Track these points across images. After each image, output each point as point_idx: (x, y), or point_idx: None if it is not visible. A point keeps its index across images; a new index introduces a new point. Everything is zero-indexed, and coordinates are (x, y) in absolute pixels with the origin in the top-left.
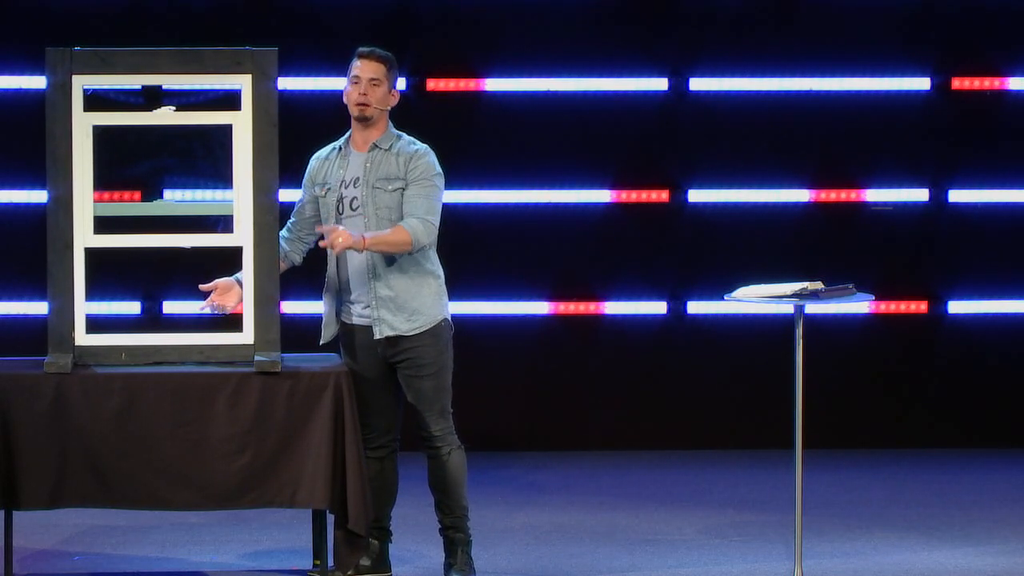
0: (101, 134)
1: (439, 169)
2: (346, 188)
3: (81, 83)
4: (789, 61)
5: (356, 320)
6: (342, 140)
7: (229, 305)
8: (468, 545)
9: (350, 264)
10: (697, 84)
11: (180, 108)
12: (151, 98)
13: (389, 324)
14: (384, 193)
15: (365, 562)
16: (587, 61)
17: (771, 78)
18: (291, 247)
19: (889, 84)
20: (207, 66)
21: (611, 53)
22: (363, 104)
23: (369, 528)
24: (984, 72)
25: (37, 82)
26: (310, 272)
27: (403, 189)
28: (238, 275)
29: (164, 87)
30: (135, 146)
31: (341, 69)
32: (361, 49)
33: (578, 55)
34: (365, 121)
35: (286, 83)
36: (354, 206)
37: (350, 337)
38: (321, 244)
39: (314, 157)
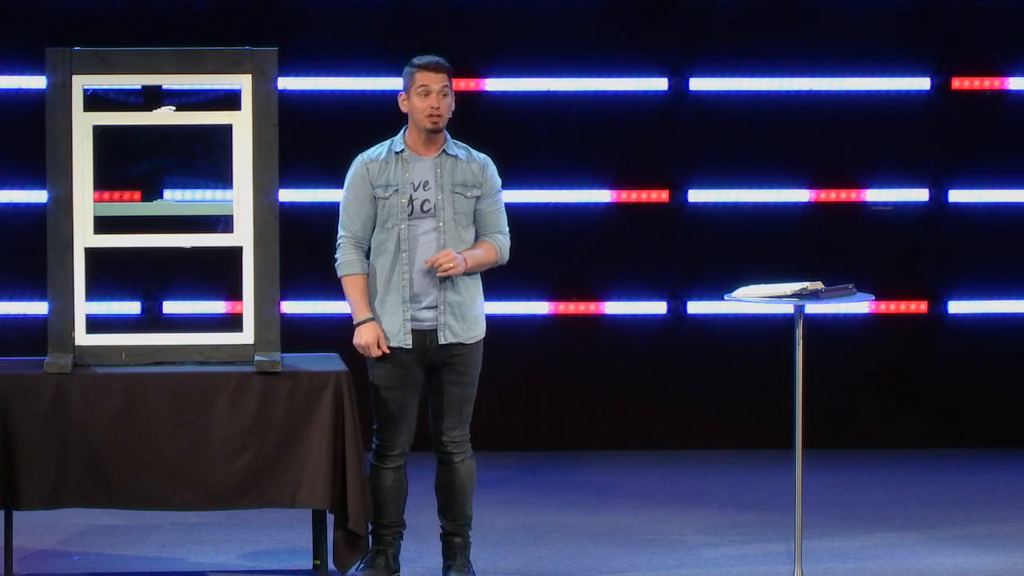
0: (101, 134)
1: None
2: (416, 191)
3: (81, 83)
4: (789, 61)
5: (411, 324)
6: (394, 144)
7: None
8: (467, 549)
9: (415, 267)
10: (697, 84)
11: (180, 108)
12: (151, 98)
13: (452, 330)
14: (463, 199)
15: (389, 562)
16: (587, 61)
17: (771, 78)
18: (365, 260)
19: (889, 84)
20: (207, 66)
21: (611, 53)
22: (436, 116)
23: (368, 528)
24: (984, 72)
25: (37, 82)
26: (310, 272)
27: (478, 198)
28: (367, 316)
29: (164, 87)
30: (135, 146)
31: (341, 69)
32: (424, 61)
33: (578, 55)
34: (439, 131)
35: (286, 83)
36: (425, 208)
37: None
38: (439, 272)
39: (367, 159)
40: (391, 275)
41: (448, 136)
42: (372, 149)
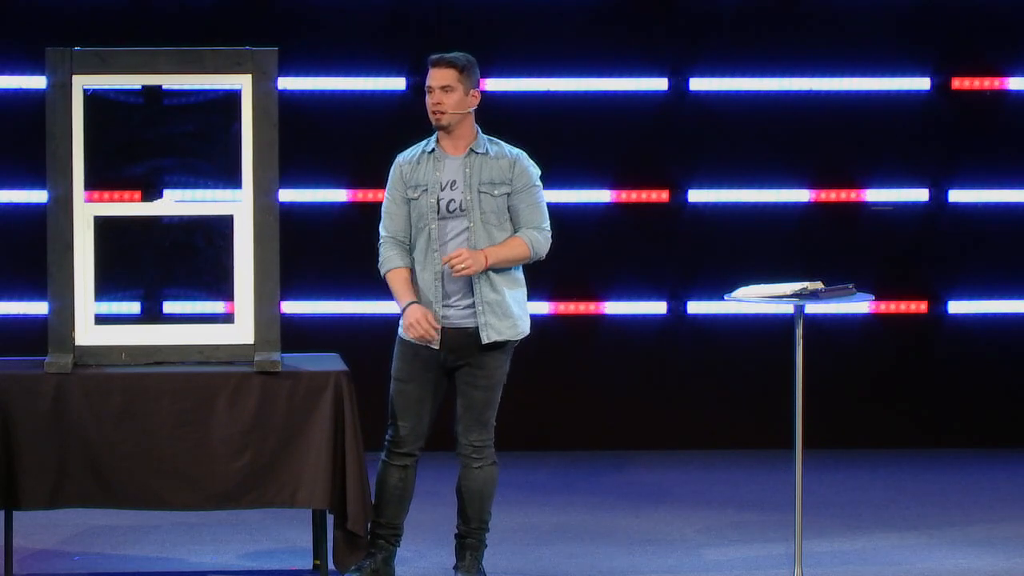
0: (101, 134)
1: (537, 170)
2: (443, 191)
3: (81, 83)
4: (789, 61)
5: (443, 323)
6: (428, 144)
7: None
8: (478, 551)
9: (447, 267)
10: (697, 84)
11: (180, 108)
12: (151, 98)
13: (495, 329)
14: (490, 198)
15: (377, 565)
16: (587, 61)
17: (771, 78)
18: (408, 256)
19: (889, 84)
20: (207, 66)
21: (611, 53)
22: (438, 113)
23: (368, 528)
24: (984, 72)
25: (37, 82)
26: (310, 272)
27: (508, 195)
28: (410, 300)
29: (164, 87)
30: (135, 146)
31: (341, 69)
32: (431, 57)
33: (578, 55)
34: (444, 128)
35: (286, 83)
36: (451, 208)
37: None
38: (454, 271)
39: (401, 161)
40: (423, 274)
41: (479, 132)
42: (409, 149)
